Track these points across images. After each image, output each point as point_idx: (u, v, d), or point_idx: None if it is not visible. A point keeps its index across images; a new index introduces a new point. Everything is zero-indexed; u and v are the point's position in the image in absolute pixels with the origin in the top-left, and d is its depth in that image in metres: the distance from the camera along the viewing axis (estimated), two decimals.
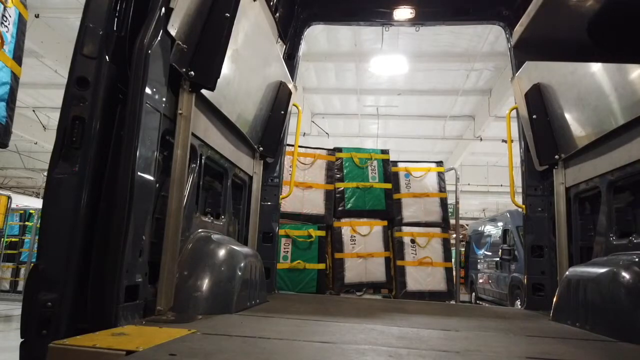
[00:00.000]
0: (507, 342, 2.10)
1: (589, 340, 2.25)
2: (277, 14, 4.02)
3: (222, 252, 2.59)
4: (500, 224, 12.68)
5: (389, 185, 6.20)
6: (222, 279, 2.48)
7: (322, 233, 5.62)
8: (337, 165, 6.09)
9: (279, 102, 4.05)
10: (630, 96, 2.65)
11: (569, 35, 1.86)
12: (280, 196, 4.32)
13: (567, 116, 3.45)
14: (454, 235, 8.82)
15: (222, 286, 2.46)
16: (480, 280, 14.16)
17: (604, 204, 3.09)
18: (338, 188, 6.00)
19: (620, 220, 3.04)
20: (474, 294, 14.90)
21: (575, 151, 3.40)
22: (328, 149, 6.22)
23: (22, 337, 1.78)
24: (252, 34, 3.19)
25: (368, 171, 6.15)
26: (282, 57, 4.18)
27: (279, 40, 4.18)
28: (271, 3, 3.74)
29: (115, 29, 2.04)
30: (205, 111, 2.77)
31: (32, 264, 9.05)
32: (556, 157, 3.62)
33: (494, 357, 1.74)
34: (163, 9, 2.13)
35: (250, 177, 3.92)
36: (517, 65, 4.08)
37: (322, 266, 5.53)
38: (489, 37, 9.68)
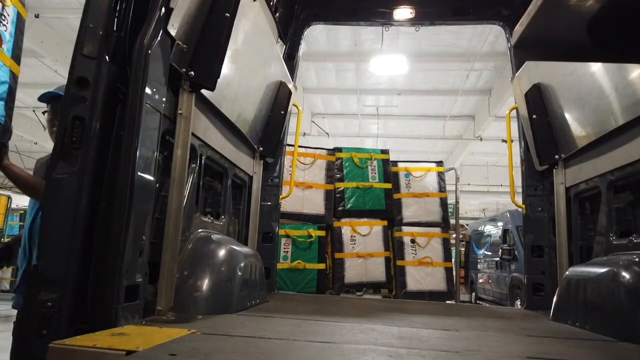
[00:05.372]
0: (507, 342, 2.10)
1: (589, 340, 2.24)
2: (277, 14, 4.02)
3: (222, 252, 2.59)
4: (500, 224, 12.69)
5: (389, 185, 6.20)
6: (222, 279, 2.48)
7: (322, 233, 5.62)
8: (337, 165, 6.08)
9: (279, 102, 4.05)
10: (630, 96, 2.65)
11: (569, 35, 1.86)
12: (280, 196, 4.32)
13: (567, 116, 3.44)
14: (454, 235, 8.81)
15: (222, 286, 2.46)
16: (480, 280, 14.16)
17: (604, 204, 3.09)
18: (338, 188, 5.99)
19: (620, 220, 3.03)
20: (474, 294, 14.90)
21: (575, 151, 3.40)
22: (328, 149, 6.22)
23: (22, 337, 1.78)
24: (252, 34, 3.19)
25: (368, 171, 6.15)
26: (282, 57, 4.18)
27: (279, 40, 4.18)
28: (271, 3, 3.74)
29: (115, 29, 2.04)
30: (205, 111, 2.77)
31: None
32: (556, 157, 3.62)
33: (494, 357, 1.74)
34: (163, 9, 2.13)
35: (250, 177, 3.92)
36: (517, 65, 4.08)
37: (322, 266, 5.53)
38: (489, 37, 9.68)
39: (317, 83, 12.85)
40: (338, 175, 6.04)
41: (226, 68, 2.64)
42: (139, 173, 1.95)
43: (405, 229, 6.14)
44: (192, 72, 2.38)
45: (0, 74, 2.55)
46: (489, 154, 17.03)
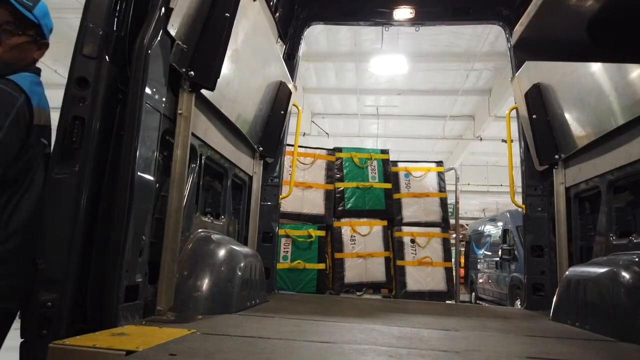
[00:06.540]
0: (507, 342, 2.10)
1: (589, 340, 2.24)
2: (277, 14, 4.02)
3: (222, 252, 2.59)
4: (500, 224, 12.69)
5: (389, 185, 6.20)
6: (222, 279, 2.48)
7: (322, 233, 5.62)
8: (337, 165, 6.08)
9: (278, 102, 4.05)
10: (630, 96, 2.65)
11: (569, 35, 1.86)
12: (280, 196, 4.32)
13: (567, 116, 3.44)
14: (454, 235, 8.81)
15: (222, 286, 2.46)
16: (480, 280, 14.16)
17: (604, 204, 3.09)
18: (338, 188, 5.99)
19: (620, 220, 3.03)
20: (474, 294, 14.90)
21: (575, 151, 3.40)
22: (328, 149, 6.21)
23: (22, 337, 1.77)
24: (252, 34, 3.19)
25: (368, 171, 6.15)
26: (282, 57, 4.18)
27: (279, 40, 4.18)
28: (271, 3, 3.74)
29: (115, 29, 2.04)
30: (205, 111, 2.77)
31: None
32: (556, 157, 3.62)
33: (494, 357, 1.74)
34: (163, 9, 2.13)
35: (250, 177, 3.92)
36: (517, 65, 4.08)
37: (322, 266, 5.53)
38: (489, 37, 9.69)
39: (317, 83, 12.86)
40: (338, 175, 6.04)
41: (226, 68, 2.64)
42: (139, 173, 1.95)
43: (405, 229, 6.14)
44: (192, 72, 2.38)
45: None
46: (489, 154, 17.04)
